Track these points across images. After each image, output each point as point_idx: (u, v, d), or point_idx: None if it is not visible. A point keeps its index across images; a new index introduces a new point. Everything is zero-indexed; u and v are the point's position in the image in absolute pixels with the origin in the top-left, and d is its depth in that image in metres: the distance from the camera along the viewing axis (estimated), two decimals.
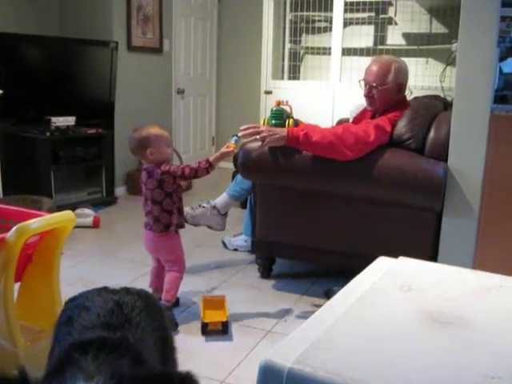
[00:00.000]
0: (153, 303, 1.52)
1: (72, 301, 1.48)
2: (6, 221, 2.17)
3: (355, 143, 2.56)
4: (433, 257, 2.60)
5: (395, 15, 5.48)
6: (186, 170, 2.46)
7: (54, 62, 4.40)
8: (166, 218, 2.52)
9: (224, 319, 2.47)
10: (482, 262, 2.54)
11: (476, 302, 1.30)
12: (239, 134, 2.62)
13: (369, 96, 2.85)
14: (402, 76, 2.81)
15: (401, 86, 2.82)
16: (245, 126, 2.65)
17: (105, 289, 1.53)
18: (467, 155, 2.53)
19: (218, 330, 2.44)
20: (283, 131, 2.63)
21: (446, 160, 2.56)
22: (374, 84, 2.79)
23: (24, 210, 2.20)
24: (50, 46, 4.38)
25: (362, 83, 2.88)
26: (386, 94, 2.79)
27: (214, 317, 2.52)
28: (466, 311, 1.24)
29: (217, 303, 2.62)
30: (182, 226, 2.63)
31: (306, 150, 2.63)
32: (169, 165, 2.49)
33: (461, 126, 2.52)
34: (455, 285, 1.42)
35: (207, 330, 2.43)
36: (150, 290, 2.66)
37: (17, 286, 2.04)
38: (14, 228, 1.82)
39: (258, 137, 2.62)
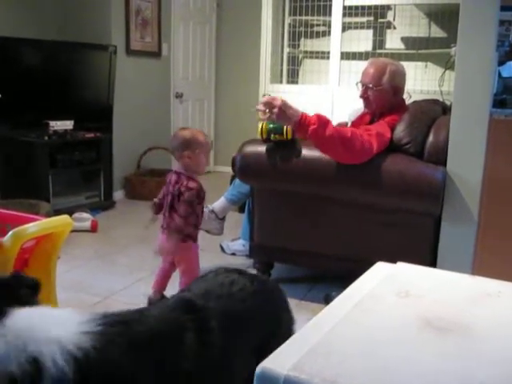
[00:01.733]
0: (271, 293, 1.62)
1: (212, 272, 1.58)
2: (3, 225, 2.16)
3: (360, 150, 2.52)
4: (431, 262, 2.59)
5: (394, 19, 5.48)
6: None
7: (52, 65, 4.40)
8: (188, 229, 2.51)
9: None
10: (481, 267, 2.53)
11: (475, 308, 1.29)
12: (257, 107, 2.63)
13: (364, 97, 2.88)
14: (397, 79, 2.82)
15: (396, 88, 2.82)
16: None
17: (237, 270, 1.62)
18: (466, 159, 2.52)
19: None
20: (298, 112, 2.53)
21: (444, 164, 2.55)
22: (370, 85, 2.82)
23: (21, 214, 2.19)
24: (48, 49, 4.37)
25: (360, 85, 2.89)
26: (381, 95, 2.81)
27: None
28: (465, 317, 1.23)
29: None
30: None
31: (311, 139, 2.54)
32: (193, 189, 2.48)
33: (460, 131, 2.52)
34: (454, 291, 1.40)
35: None
36: (152, 291, 2.64)
37: None
38: (11, 232, 1.81)
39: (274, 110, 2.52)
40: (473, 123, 2.49)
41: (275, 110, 2.50)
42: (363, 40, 5.52)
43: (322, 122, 2.51)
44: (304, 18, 5.64)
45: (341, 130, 2.58)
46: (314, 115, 2.54)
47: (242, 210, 3.83)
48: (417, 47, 5.31)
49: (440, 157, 2.56)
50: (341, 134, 2.53)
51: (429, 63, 5.33)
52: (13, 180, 4.09)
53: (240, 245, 3.52)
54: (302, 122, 2.52)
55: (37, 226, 1.91)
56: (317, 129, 2.48)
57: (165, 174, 5.28)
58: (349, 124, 3.24)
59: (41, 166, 4.07)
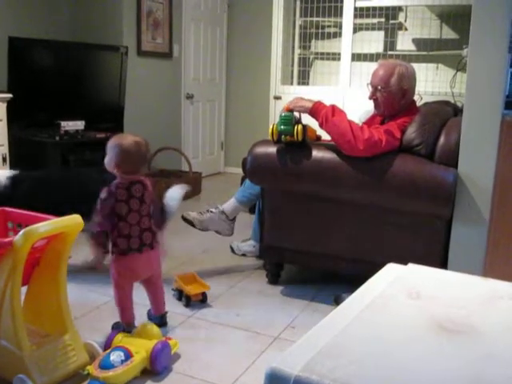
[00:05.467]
0: None
1: None
2: (15, 224, 2.17)
3: (368, 139, 2.58)
4: (442, 264, 2.58)
5: (405, 21, 5.47)
6: None
7: (64, 66, 4.42)
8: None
9: (207, 289, 2.79)
10: (492, 269, 2.51)
11: (487, 311, 1.28)
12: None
13: (373, 99, 2.88)
14: (406, 81, 2.81)
15: (405, 90, 2.81)
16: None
17: None
18: (478, 161, 2.51)
19: (199, 300, 2.77)
20: (311, 103, 2.76)
21: (456, 166, 2.54)
22: (379, 87, 2.81)
23: (32, 213, 2.19)
24: (60, 50, 4.40)
25: (369, 86, 2.90)
26: (390, 97, 2.81)
27: (196, 289, 2.78)
28: (477, 319, 1.22)
29: (190, 278, 2.87)
30: None
31: (323, 124, 2.71)
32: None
33: (471, 132, 2.50)
34: (465, 293, 1.40)
35: (190, 303, 2.74)
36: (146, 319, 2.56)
37: (24, 289, 2.04)
38: (22, 231, 1.81)
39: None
40: (484, 125, 2.48)
41: (292, 100, 2.80)
42: (374, 41, 5.51)
43: (336, 108, 2.74)
44: (315, 19, 5.64)
45: (352, 120, 2.73)
46: (330, 105, 2.77)
47: (252, 211, 3.83)
48: (428, 49, 5.30)
49: (451, 158, 2.54)
50: (351, 121, 2.69)
51: (440, 65, 5.31)
52: None
53: (250, 246, 3.52)
54: (317, 106, 2.75)
55: (48, 226, 1.91)
56: (329, 112, 2.70)
57: (175, 175, 5.30)
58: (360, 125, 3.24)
59: (52, 165, 4.09)
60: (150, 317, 2.54)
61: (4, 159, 3.73)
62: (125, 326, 2.35)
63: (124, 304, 2.38)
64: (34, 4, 4.53)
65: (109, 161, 2.32)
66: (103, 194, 2.26)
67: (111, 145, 2.31)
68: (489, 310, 1.28)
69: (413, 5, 5.21)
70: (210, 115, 6.30)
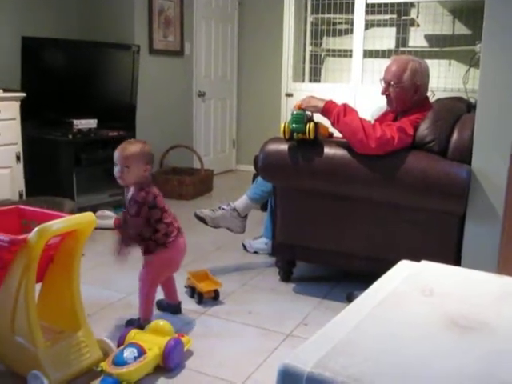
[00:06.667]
0: None
1: None
2: (29, 222, 2.18)
3: (380, 137, 2.58)
4: (456, 261, 2.57)
5: (417, 17, 5.44)
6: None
7: (76, 65, 4.44)
8: None
9: (219, 286, 2.80)
10: (506, 266, 2.50)
11: (501, 308, 1.27)
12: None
13: (386, 94, 2.87)
14: (419, 76, 2.80)
15: (418, 86, 2.80)
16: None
17: None
18: (491, 158, 2.49)
19: (212, 298, 2.78)
20: (322, 102, 2.76)
21: (469, 163, 2.52)
22: (392, 82, 2.81)
23: (46, 211, 2.21)
24: (72, 49, 4.42)
25: (382, 82, 2.89)
26: (402, 92, 2.80)
27: (209, 286, 2.79)
28: (490, 317, 1.22)
29: (203, 275, 2.88)
30: None
31: (335, 123, 2.71)
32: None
33: (485, 128, 2.48)
34: (479, 290, 1.39)
35: (203, 300, 2.75)
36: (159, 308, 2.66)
37: (38, 286, 2.06)
38: (36, 229, 1.83)
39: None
40: (498, 121, 2.46)
41: (304, 99, 2.78)
42: (386, 38, 5.49)
43: (348, 107, 2.74)
44: (326, 15, 5.62)
45: (364, 118, 2.73)
46: (342, 103, 2.76)
47: (264, 208, 3.83)
48: (441, 45, 5.26)
49: (464, 155, 2.53)
50: (363, 120, 2.69)
51: (453, 61, 5.27)
52: (38, 178, 4.13)
53: (262, 243, 3.52)
54: (328, 105, 2.74)
55: (61, 223, 1.93)
56: (341, 111, 2.69)
57: (187, 172, 5.31)
58: (372, 122, 3.22)
59: (65, 164, 4.12)
60: (165, 306, 2.63)
61: (18, 158, 3.76)
62: (142, 321, 2.38)
63: (150, 300, 2.45)
64: (45, 3, 4.56)
65: (137, 169, 2.31)
66: (133, 209, 2.27)
67: (133, 153, 2.31)
68: (502, 307, 1.28)
69: (425, 0, 5.19)
70: (221, 113, 6.31)
